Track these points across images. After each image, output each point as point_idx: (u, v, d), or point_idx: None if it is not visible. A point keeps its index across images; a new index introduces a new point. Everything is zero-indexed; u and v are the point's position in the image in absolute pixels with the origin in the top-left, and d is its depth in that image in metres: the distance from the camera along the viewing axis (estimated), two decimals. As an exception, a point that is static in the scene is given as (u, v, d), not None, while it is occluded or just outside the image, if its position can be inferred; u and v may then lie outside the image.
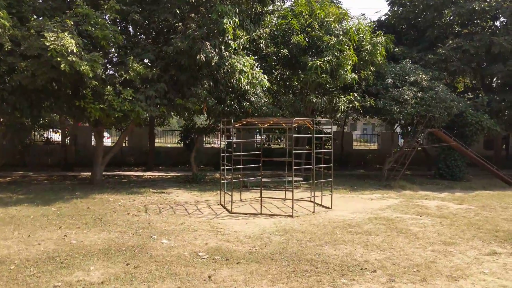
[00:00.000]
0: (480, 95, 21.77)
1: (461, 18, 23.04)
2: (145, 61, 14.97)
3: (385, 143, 28.29)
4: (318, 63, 16.04)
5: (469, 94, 22.93)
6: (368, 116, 23.62)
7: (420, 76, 18.89)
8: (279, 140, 29.27)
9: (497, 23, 23.69)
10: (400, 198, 14.60)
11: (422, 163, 25.72)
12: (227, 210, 11.82)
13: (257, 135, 28.94)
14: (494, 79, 24.26)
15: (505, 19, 22.20)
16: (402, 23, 24.36)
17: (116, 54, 15.69)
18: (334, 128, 31.99)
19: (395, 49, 21.25)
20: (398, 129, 25.81)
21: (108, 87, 13.77)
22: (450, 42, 21.30)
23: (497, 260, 7.46)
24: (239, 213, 11.40)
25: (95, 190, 14.44)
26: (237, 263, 6.93)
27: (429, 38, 22.90)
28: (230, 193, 11.85)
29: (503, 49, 19.73)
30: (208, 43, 13.95)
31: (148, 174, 20.58)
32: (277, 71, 20.30)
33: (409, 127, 20.89)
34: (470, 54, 21.04)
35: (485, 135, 21.80)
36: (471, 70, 22.91)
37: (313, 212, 11.61)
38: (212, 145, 29.42)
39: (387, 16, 25.43)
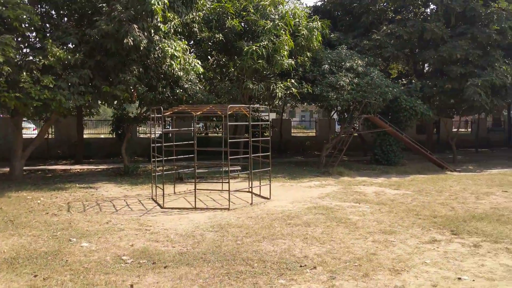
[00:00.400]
0: (413, 81, 22.16)
1: (394, 4, 23.33)
2: (70, 46, 13.72)
3: (323, 130, 28.40)
4: (254, 48, 15.47)
5: (403, 80, 23.36)
6: (306, 103, 23.48)
7: (356, 62, 18.85)
8: (217, 129, 28.58)
9: (428, 10, 24.20)
10: (338, 185, 14.44)
11: (358, 149, 26.01)
12: (159, 205, 11.02)
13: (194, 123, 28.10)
14: (426, 65, 24.85)
15: (435, 6, 22.67)
16: (338, 8, 24.31)
17: (37, 38, 14.27)
18: (273, 115, 31.73)
19: (331, 35, 21.12)
20: (335, 116, 25.94)
21: (24, 73, 12.42)
22: (385, 28, 21.45)
23: (437, 248, 7.28)
24: (172, 208, 10.65)
25: (12, 188, 13.08)
26: (164, 267, 6.23)
27: (364, 24, 22.99)
28: (161, 186, 11.06)
29: (434, 35, 20.09)
30: (135, 26, 12.92)
31: (77, 167, 19.19)
32: (213, 57, 19.55)
33: (345, 114, 20.92)
34: (404, 40, 21.31)
35: (418, 120, 22.25)
36: (405, 56, 23.31)
37: (251, 203, 11.09)
38: (148, 135, 28.18)
39: (322, 2, 25.30)
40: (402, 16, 23.48)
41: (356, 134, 22.40)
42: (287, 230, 8.43)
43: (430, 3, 23.67)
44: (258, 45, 15.61)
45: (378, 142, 20.74)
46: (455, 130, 29.41)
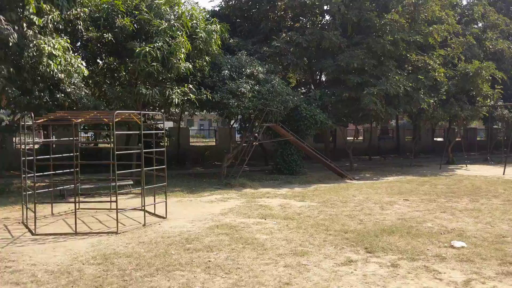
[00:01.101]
0: (312, 89, 22.11)
1: (293, 12, 23.19)
2: None
3: (223, 139, 27.48)
4: (147, 50, 14.00)
5: (302, 89, 23.27)
6: (205, 111, 22.34)
7: (257, 68, 18.17)
8: (109, 139, 26.27)
9: (326, 19, 24.47)
10: (241, 198, 13.47)
11: (259, 158, 25.47)
12: (30, 231, 9.13)
13: (82, 133, 25.60)
14: (324, 74, 25.04)
15: (330, 17, 22.94)
16: (237, 14, 23.59)
17: None
18: (170, 123, 30.14)
19: (231, 40, 20.28)
20: (236, 124, 25.17)
21: None
22: (284, 35, 21.12)
23: (355, 271, 6.52)
24: (46, 235, 8.85)
25: None
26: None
27: (263, 31, 22.51)
28: (33, 207, 9.16)
29: (332, 44, 20.17)
30: (2, 17, 10.86)
31: None
32: (102, 60, 17.63)
33: (247, 122, 20.17)
34: (303, 48, 21.17)
35: (317, 129, 22.21)
36: (304, 65, 23.22)
37: (144, 224, 9.64)
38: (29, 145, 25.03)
39: (220, 6, 24.47)
40: (301, 24, 23.45)
41: (257, 144, 21.76)
42: (186, 257, 7.18)
43: (327, 14, 23.96)
44: (152, 46, 14.18)
45: (280, 152, 20.26)
46: (351, 138, 30.24)
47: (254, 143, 19.01)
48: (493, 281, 6.06)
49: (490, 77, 22.91)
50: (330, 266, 6.73)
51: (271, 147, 24.14)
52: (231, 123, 21.94)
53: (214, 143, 30.46)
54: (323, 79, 25.97)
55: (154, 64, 14.29)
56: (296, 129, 19.86)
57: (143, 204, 10.42)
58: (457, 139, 30.00)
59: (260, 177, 18.60)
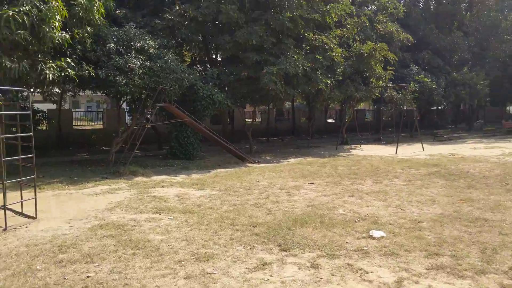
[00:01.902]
0: (208, 67, 20.74)
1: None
2: None
3: (112, 122, 25.12)
4: (11, 14, 11.53)
5: (198, 66, 21.79)
6: (89, 90, 19.94)
7: (148, 43, 16.32)
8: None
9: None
10: (132, 188, 11.80)
11: (153, 142, 23.64)
12: None
13: None
14: (221, 52, 23.75)
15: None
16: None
17: None
18: (51, 105, 26.85)
19: (117, 11, 18.05)
20: (125, 105, 23.04)
21: None
22: (177, 8, 19.35)
23: (271, 277, 5.44)
24: None
25: None
26: None
27: (154, 2, 20.52)
28: None
29: (230, 19, 18.89)
30: None
31: None
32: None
33: (137, 102, 18.26)
34: (198, 23, 19.63)
35: (215, 110, 20.95)
36: (200, 41, 21.70)
37: (5, 228, 7.67)
38: None
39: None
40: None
41: (149, 126, 19.96)
42: (56, 274, 5.54)
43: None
44: (17, 10, 11.72)
45: (175, 134, 18.71)
46: (249, 120, 29.47)
47: (146, 126, 17.21)
48: (426, 278, 5.35)
49: (383, 59, 23.37)
50: (241, 273, 5.56)
51: (165, 129, 22.45)
52: (120, 103, 19.82)
53: (101, 126, 27.80)
54: (220, 58, 24.66)
55: (21, 32, 11.86)
56: (192, 110, 18.42)
57: (4, 202, 8.34)
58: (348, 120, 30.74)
59: (153, 163, 16.93)
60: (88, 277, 5.45)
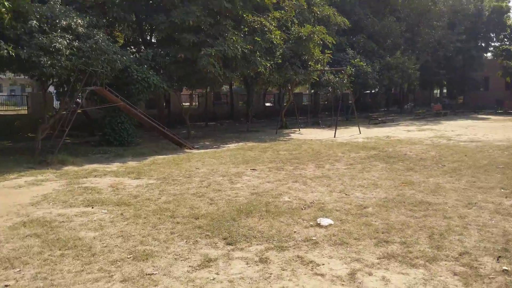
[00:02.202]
0: (143, 49, 19.71)
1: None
2: None
3: (37, 107, 23.37)
4: None
5: (132, 48, 20.66)
6: (11, 72, 18.34)
7: (75, 21, 15.08)
8: None
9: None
10: (61, 179, 10.85)
11: (84, 128, 22.31)
12: None
13: None
14: (156, 33, 22.68)
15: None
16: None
17: None
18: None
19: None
20: (52, 89, 21.49)
21: None
22: (108, -16, 18.12)
23: (217, 275, 4.98)
24: None
25: None
26: None
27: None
28: None
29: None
30: None
31: None
32: None
33: (66, 86, 16.97)
34: (131, 1, 18.52)
35: (151, 94, 20.00)
36: (133, 21, 20.54)
37: None
38: None
39: None
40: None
41: (80, 111, 18.71)
42: (-33, 285, 4.78)
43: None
44: None
45: (108, 120, 17.64)
46: (187, 104, 28.63)
47: (76, 111, 16.03)
48: (379, 269, 5.13)
49: (321, 42, 23.35)
50: (184, 272, 5.08)
51: (97, 115, 21.19)
52: (46, 87, 18.36)
53: (26, 112, 25.86)
54: (156, 39, 23.57)
55: None
56: (126, 93, 17.42)
57: None
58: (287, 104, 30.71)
59: (85, 151, 15.87)
60: (6, 286, 4.73)
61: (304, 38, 22.37)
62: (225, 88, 46.72)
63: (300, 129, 25.37)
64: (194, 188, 9.63)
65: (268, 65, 20.80)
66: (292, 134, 22.87)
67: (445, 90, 57.98)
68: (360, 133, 22.51)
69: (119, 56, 16.10)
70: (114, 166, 13.02)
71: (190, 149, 17.03)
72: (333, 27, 29.22)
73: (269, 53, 21.62)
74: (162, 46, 20.14)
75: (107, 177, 11.20)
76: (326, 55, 24.28)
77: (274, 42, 20.83)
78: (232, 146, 17.90)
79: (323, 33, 22.96)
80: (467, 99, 48.32)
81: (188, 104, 27.54)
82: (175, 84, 20.77)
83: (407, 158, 13.66)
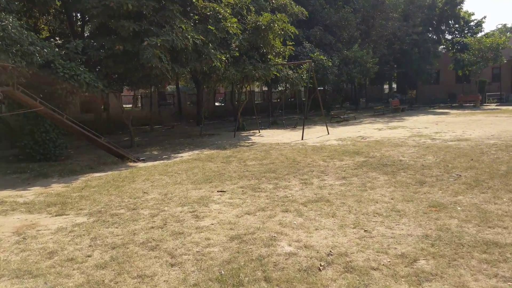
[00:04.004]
0: (72, 40, 16.14)
1: None
2: None
3: None
4: None
5: (57, 40, 17.01)
6: None
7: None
8: None
9: None
10: None
11: (1, 139, 18.39)
12: None
13: None
14: (87, 20, 19.11)
15: None
16: None
17: None
18: None
19: None
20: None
21: None
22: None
23: None
24: None
25: None
26: None
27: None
28: None
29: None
30: None
31: None
32: None
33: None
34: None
35: (83, 95, 16.46)
36: (58, 5, 16.91)
37: None
38: None
39: None
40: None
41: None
42: None
43: None
44: None
45: (29, 129, 14.10)
46: (128, 106, 25.10)
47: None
48: None
49: (282, 32, 20.64)
50: None
51: (19, 122, 17.37)
52: None
53: None
54: (88, 31, 20.00)
55: None
56: (51, 95, 13.91)
57: None
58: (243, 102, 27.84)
59: (-4, 170, 12.28)
60: None
61: (263, 27, 19.55)
62: (170, 87, 43.12)
63: (260, 131, 22.62)
64: (143, 231, 6.54)
65: (224, 58, 17.85)
66: (252, 137, 20.04)
67: (394, 85, 57.21)
68: (328, 133, 20.07)
69: (37, 48, 12.62)
70: (32, 192, 9.65)
71: (135, 161, 13.80)
72: (289, 18, 26.65)
73: (224, 45, 18.70)
74: (96, 36, 16.64)
75: (15, 213, 7.86)
76: (288, 47, 21.60)
77: (230, 31, 17.92)
78: (186, 155, 14.81)
79: (285, 22, 20.21)
80: (419, 93, 47.55)
81: (131, 106, 24.02)
82: (114, 83, 17.33)
83: (405, 165, 11.17)
